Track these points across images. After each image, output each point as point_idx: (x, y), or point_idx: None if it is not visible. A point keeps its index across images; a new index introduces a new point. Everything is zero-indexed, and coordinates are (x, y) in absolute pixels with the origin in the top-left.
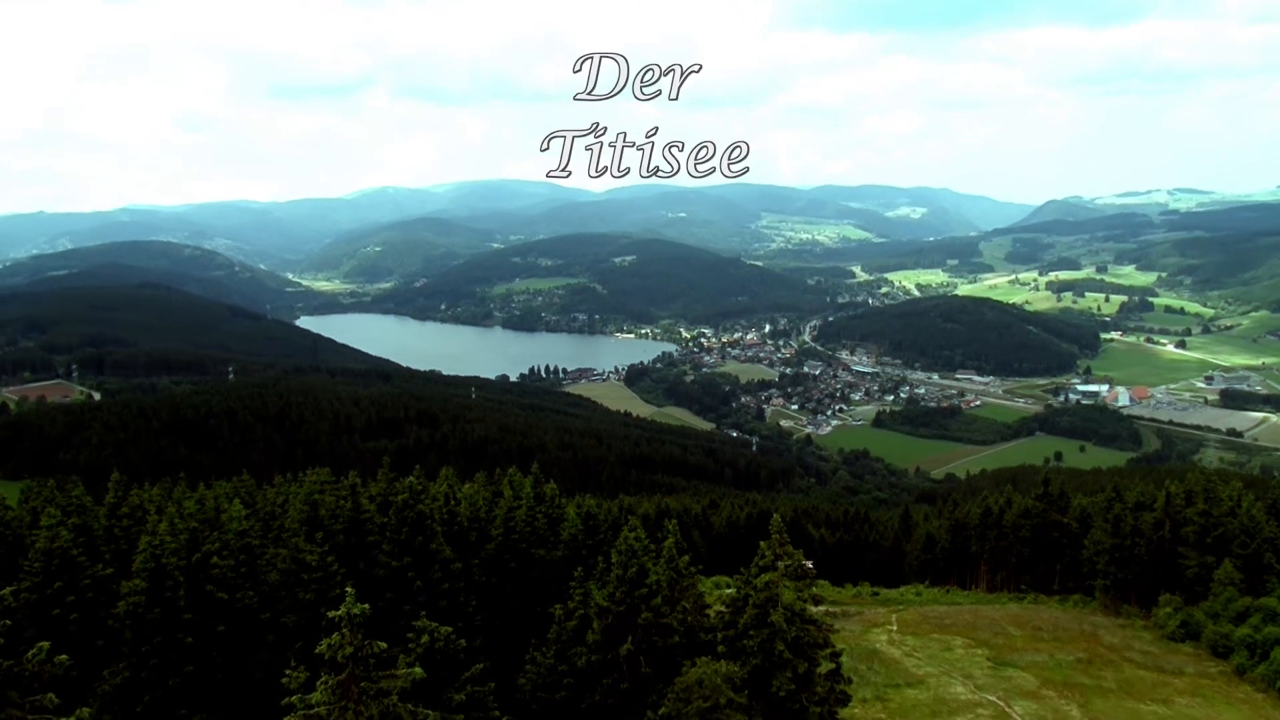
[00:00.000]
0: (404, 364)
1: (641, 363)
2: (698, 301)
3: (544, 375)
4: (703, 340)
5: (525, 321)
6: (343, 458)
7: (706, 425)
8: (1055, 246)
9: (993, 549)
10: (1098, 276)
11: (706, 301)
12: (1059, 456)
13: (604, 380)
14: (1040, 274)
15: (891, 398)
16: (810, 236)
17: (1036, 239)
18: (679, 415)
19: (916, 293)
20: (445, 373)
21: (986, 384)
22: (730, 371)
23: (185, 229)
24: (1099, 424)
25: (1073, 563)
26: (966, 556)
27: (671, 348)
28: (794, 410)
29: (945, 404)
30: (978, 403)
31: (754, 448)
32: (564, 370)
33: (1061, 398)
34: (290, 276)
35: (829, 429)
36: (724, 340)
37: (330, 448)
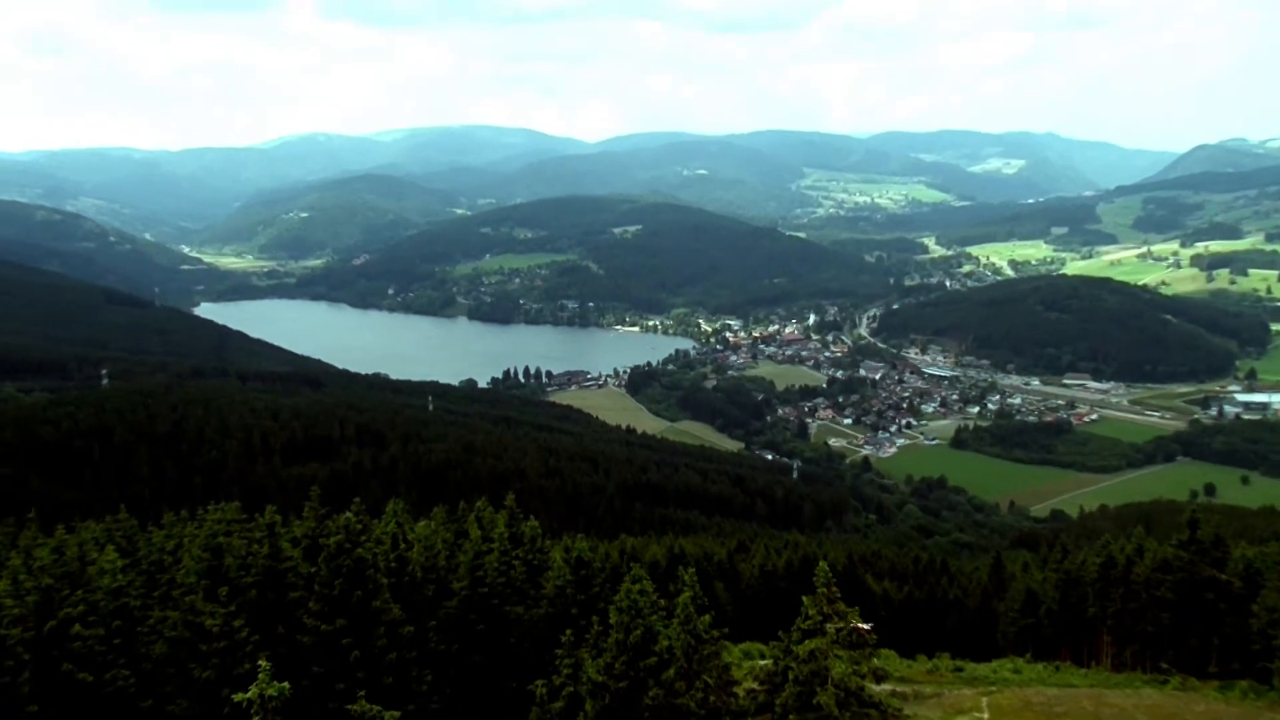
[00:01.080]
0: (339, 366)
1: (649, 364)
2: (722, 285)
3: (523, 380)
4: (728, 335)
5: (498, 311)
6: (257, 488)
7: (733, 445)
8: (1205, 208)
9: (1119, 613)
10: (1268, 247)
11: (733, 285)
12: (1210, 490)
13: (600, 386)
14: (1183, 245)
15: (976, 410)
16: (869, 199)
17: (1178, 198)
18: (697, 431)
19: (1010, 272)
20: (394, 377)
21: (1106, 392)
22: (764, 375)
23: (37, 184)
24: (1269, 446)
25: (1236, 636)
26: (1082, 622)
27: (688, 344)
28: (847, 425)
29: (1049, 418)
30: (1094, 416)
31: (795, 474)
32: (548, 374)
33: (1214, 411)
34: (187, 250)
35: (893, 450)
36: (756, 335)
37: (240, 475)
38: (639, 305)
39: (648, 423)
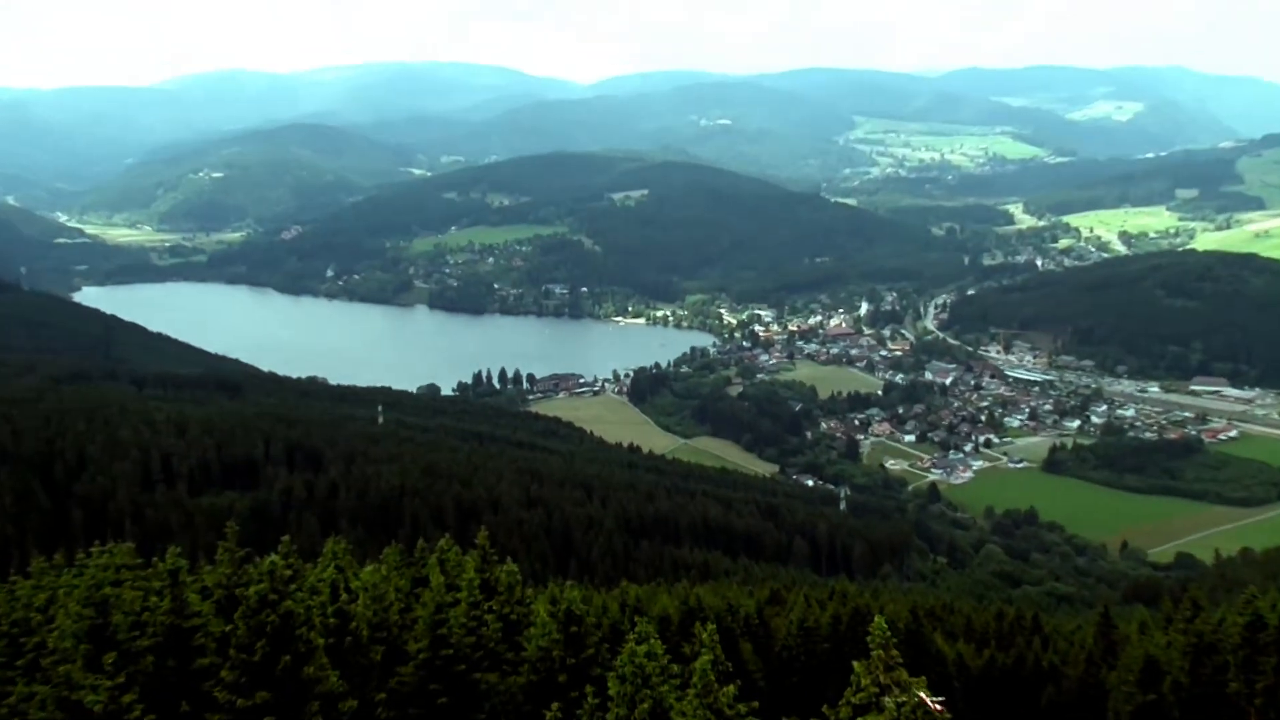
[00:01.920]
0: (264, 367)
1: (657, 365)
2: (749, 265)
3: (498, 386)
4: (757, 329)
5: (467, 298)
6: (157, 524)
7: (764, 467)
8: None
9: (1271, 690)
10: None
11: (763, 265)
12: None
13: (596, 393)
14: None
15: (1076, 424)
16: (938, 155)
17: None
18: (718, 450)
19: (1122, 248)
20: (334, 381)
21: (1249, 401)
22: (803, 379)
23: None
24: None
25: None
26: (1221, 701)
27: (706, 340)
28: (909, 444)
29: (1173, 435)
30: (1232, 433)
31: (843, 505)
32: (531, 378)
33: None
34: (64, 220)
35: (968, 475)
36: (792, 328)
37: (135, 508)
38: (644, 291)
39: (656, 439)
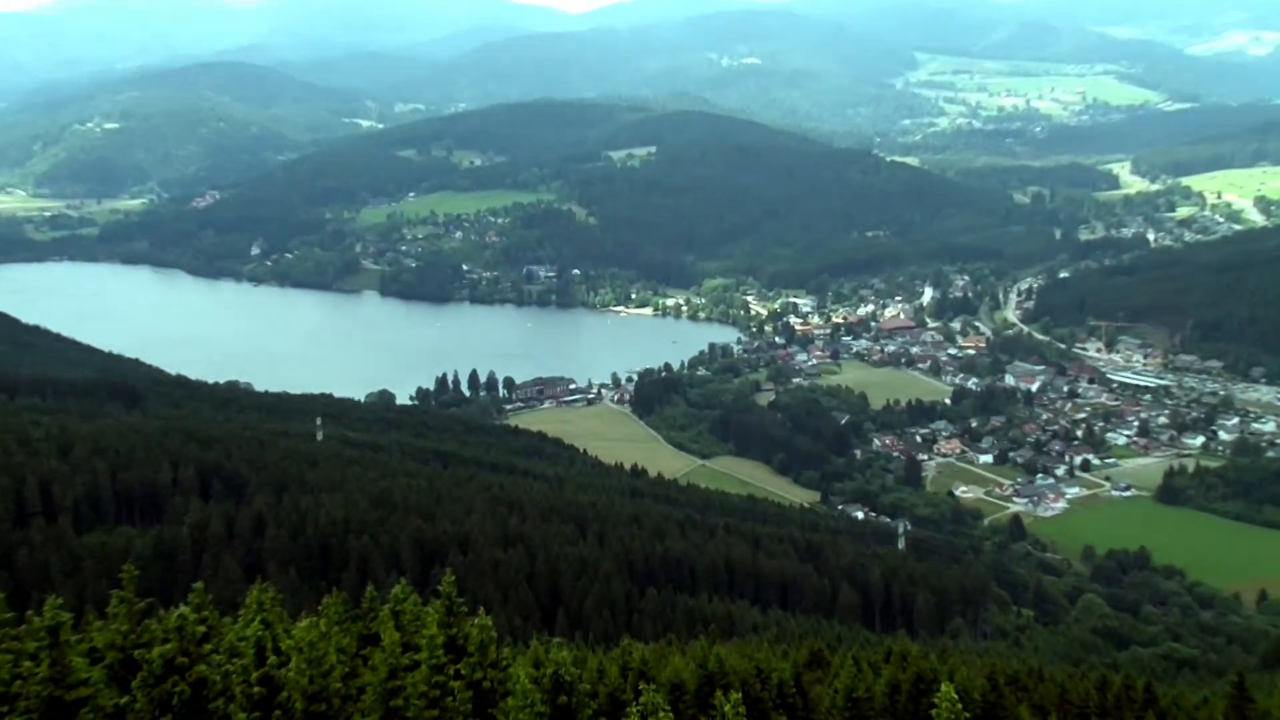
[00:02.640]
0: (172, 370)
1: (668, 367)
2: (783, 240)
3: (468, 393)
4: (794, 321)
5: (429, 283)
6: (33, 568)
7: (802, 494)
8: None
9: None
10: None
11: (803, 240)
12: None
13: (591, 402)
14: None
15: (1199, 440)
16: (1022, 101)
17: None
18: (745, 473)
19: (1258, 218)
20: (261, 388)
21: None
22: (851, 385)
23: None
24: None
25: None
26: None
27: (729, 335)
28: (985, 465)
29: None
30: None
31: (902, 543)
32: (510, 383)
33: None
34: None
35: (1061, 505)
36: (838, 320)
37: (4, 548)
38: (651, 273)
39: (666, 459)
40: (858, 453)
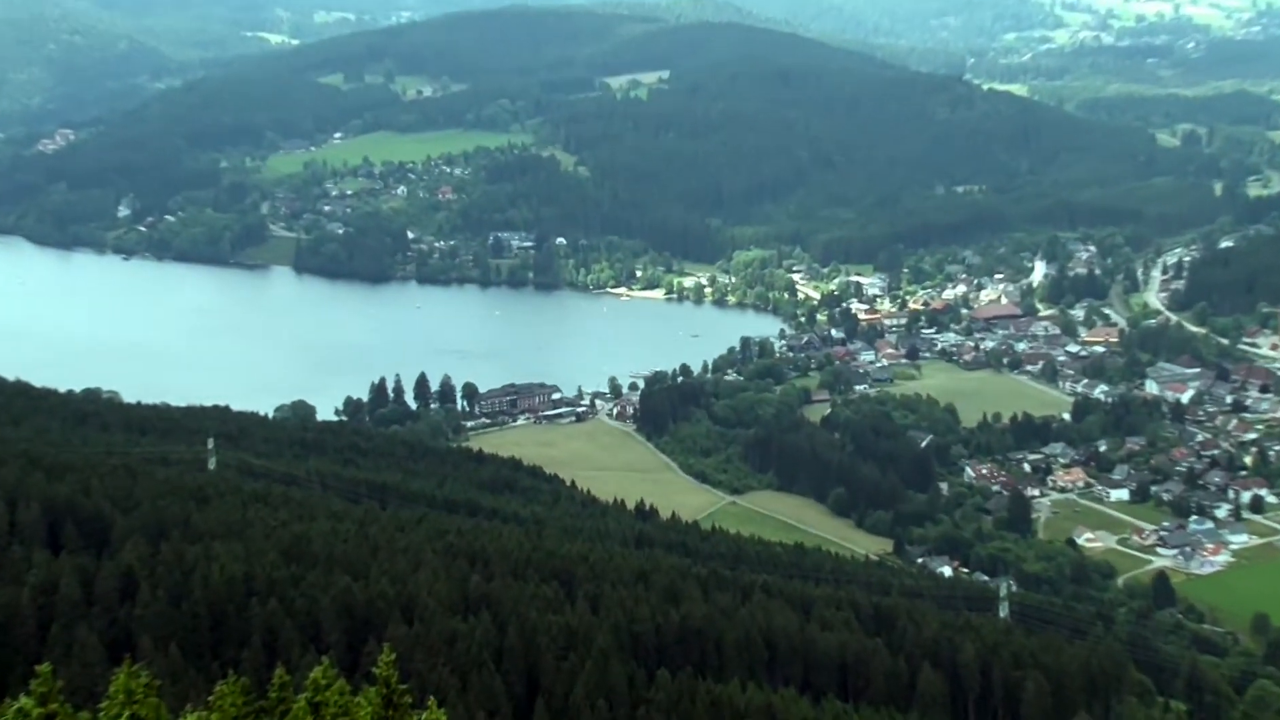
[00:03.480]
0: (8, 375)
1: (685, 370)
2: (842, 198)
3: (414, 405)
4: (857, 307)
5: (361, 256)
6: None
7: (869, 542)
8: None
9: None
10: None
11: (868, 197)
12: None
13: (581, 417)
14: None
15: None
16: (1168, 7)
17: None
18: (791, 512)
19: None
20: (132, 399)
21: None
22: (935, 393)
23: None
24: None
25: None
26: None
27: (769, 326)
28: (1119, 504)
29: None
30: None
31: (1004, 610)
32: (472, 392)
33: None
34: None
35: (1222, 559)
36: (916, 305)
37: None
38: (663, 242)
39: (683, 495)
40: (944, 486)
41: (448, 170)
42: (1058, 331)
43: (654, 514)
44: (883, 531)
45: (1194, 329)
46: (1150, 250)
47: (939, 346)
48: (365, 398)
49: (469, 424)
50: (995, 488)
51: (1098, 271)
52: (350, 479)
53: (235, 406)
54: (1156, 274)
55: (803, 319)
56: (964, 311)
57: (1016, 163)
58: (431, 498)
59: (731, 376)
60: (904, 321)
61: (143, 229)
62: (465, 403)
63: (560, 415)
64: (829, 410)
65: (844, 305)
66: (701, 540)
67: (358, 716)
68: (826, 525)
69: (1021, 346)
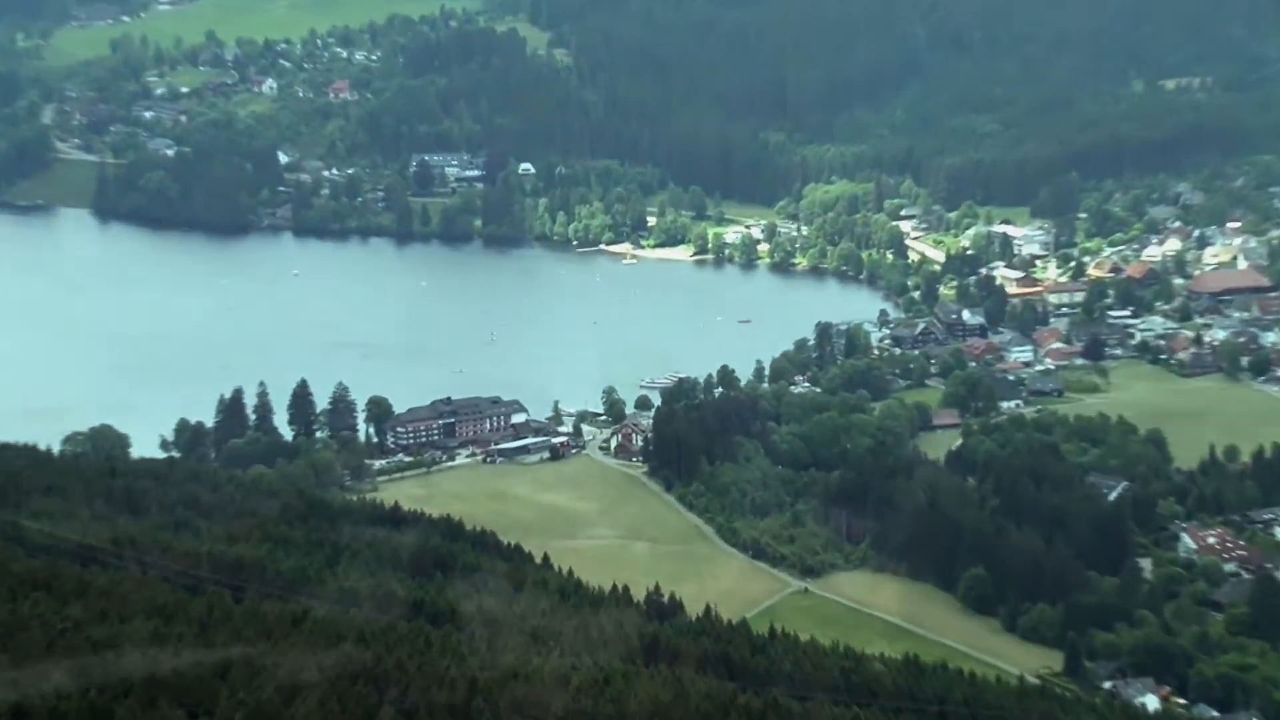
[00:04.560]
0: None
1: (725, 377)
2: (973, 100)
3: (293, 433)
4: (1002, 274)
5: (204, 194)
6: None
7: (1029, 654)
8: None
9: None
10: None
11: (1018, 100)
12: None
13: (561, 452)
14: None
15: None
16: None
17: None
18: (898, 607)
19: None
20: None
21: None
22: (1129, 413)
23: None
24: None
25: None
26: None
27: (865, 304)
28: None
29: None
30: None
31: None
32: (380, 409)
33: None
34: None
35: None
36: (1098, 271)
37: None
38: (690, 171)
39: (723, 575)
40: (1146, 564)
41: (343, 55)
42: None
43: (676, 609)
44: (1048, 638)
45: None
46: None
47: (1137, 339)
48: (210, 420)
49: (378, 463)
50: (1230, 566)
51: None
52: (185, 553)
53: None
54: None
55: (917, 294)
56: (1178, 282)
57: (1264, 44)
58: (315, 583)
59: (802, 388)
60: (1081, 298)
61: None
62: (372, 429)
63: (525, 449)
64: (959, 441)
65: (983, 272)
66: (753, 653)
67: None
68: (957, 627)
69: (1272, 338)
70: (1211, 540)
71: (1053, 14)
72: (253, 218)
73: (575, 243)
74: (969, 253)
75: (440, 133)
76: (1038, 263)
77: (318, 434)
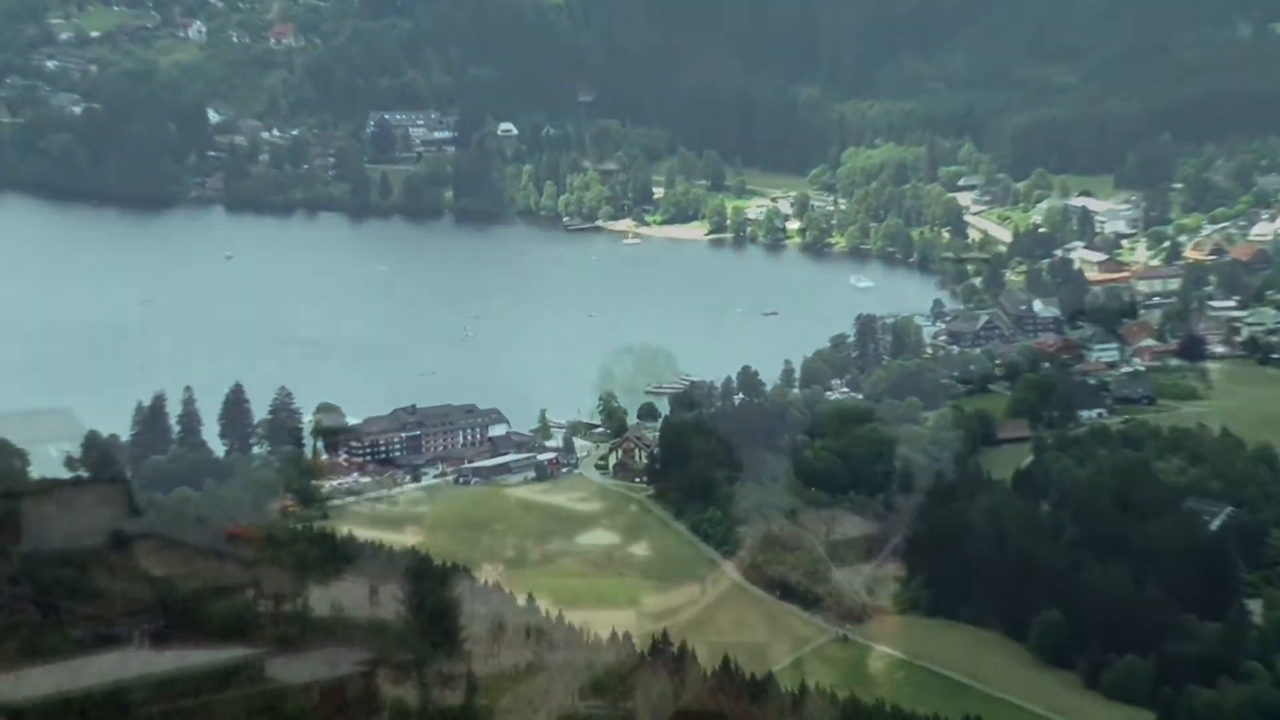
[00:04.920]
0: None
1: (747, 380)
2: (1053, 49)
3: (224, 448)
4: (1081, 257)
5: (118, 160)
6: None
7: (1115, 717)
8: None
9: None
10: None
11: (1100, 49)
12: None
13: (549, 471)
14: None
15: None
16: None
17: None
18: (957, 655)
19: None
20: None
21: None
22: (1235, 424)
23: None
24: None
25: None
26: None
27: (916, 292)
28: None
29: None
30: None
31: None
32: (328, 425)
33: None
34: None
35: None
36: (1195, 253)
37: None
38: (705, 133)
39: (744, 620)
40: (1255, 606)
41: None
42: None
43: (688, 661)
44: (1137, 696)
45: None
46: None
47: (1244, 334)
48: (125, 434)
49: (328, 483)
50: None
51: None
52: (95, 619)
53: None
54: None
55: (978, 281)
56: None
57: None
58: (251, 626)
59: (840, 394)
60: (1176, 285)
61: None
62: (320, 444)
63: (505, 468)
64: (1029, 459)
65: (1058, 254)
66: (781, 715)
67: None
68: (1027, 683)
69: None
70: None
71: None
72: (177, 188)
73: (566, 218)
74: (1041, 231)
75: (403, 86)
76: (1124, 243)
77: (255, 449)
